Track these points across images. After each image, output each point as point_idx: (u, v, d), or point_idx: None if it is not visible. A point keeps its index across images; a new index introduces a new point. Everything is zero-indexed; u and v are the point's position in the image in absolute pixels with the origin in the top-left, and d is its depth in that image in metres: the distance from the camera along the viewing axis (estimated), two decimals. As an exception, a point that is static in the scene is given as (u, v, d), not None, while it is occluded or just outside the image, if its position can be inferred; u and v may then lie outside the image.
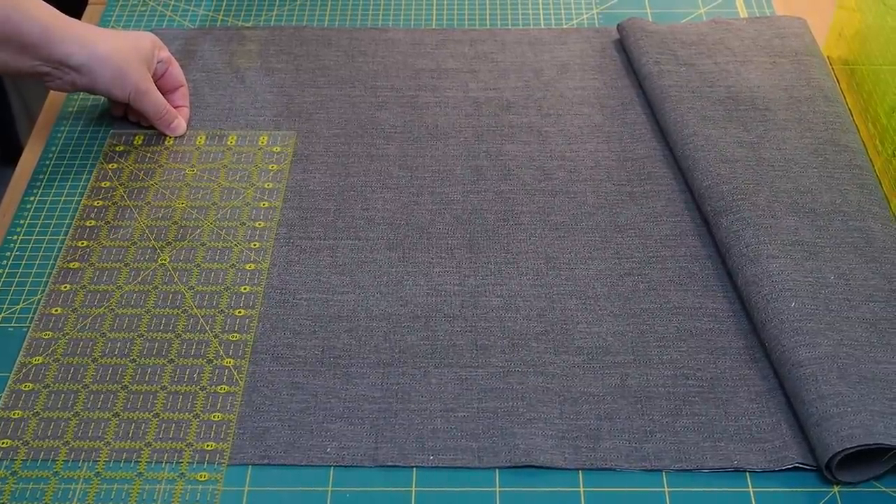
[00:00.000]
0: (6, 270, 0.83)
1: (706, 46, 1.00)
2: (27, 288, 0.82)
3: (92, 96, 0.99)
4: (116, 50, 0.89)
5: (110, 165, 0.92)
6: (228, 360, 0.76)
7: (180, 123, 0.94)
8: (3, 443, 0.71)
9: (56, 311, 0.80)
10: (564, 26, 1.08)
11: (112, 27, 1.08)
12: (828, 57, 1.03)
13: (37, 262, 0.84)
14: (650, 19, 1.08)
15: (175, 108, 0.95)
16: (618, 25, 1.05)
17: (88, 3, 1.13)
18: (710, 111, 0.92)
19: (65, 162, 0.93)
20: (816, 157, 0.88)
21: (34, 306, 0.81)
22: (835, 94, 0.96)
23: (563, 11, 1.09)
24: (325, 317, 0.80)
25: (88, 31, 0.89)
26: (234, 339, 0.78)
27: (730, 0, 1.10)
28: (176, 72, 0.96)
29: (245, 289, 0.81)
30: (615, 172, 0.91)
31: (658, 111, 0.95)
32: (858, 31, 0.97)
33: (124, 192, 0.89)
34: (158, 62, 0.93)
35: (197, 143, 0.94)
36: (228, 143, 0.94)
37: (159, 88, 0.93)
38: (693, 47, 1.00)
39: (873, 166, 0.90)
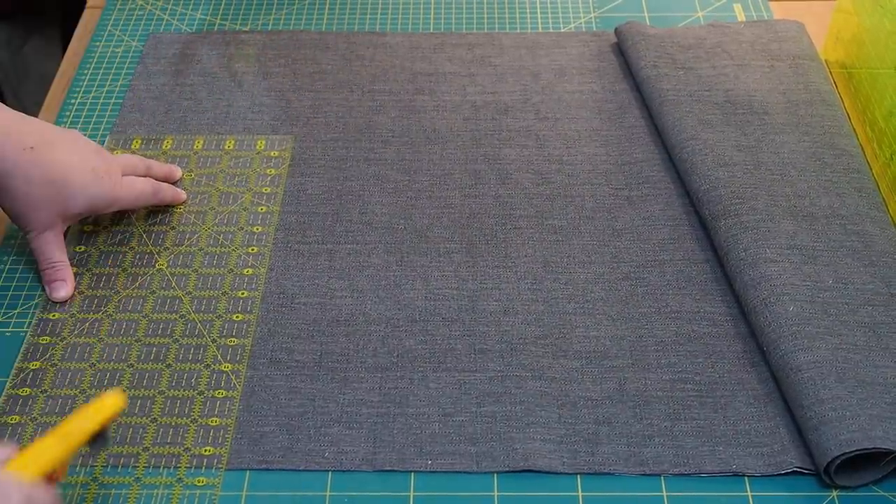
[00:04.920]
0: (4, 275, 0.83)
1: (704, 50, 1.00)
2: (24, 293, 0.82)
3: (90, 97, 0.99)
4: (45, 183, 0.78)
5: (108, 170, 0.92)
6: (226, 364, 0.76)
7: (59, 288, 0.81)
8: (0, 448, 0.71)
9: (54, 315, 0.80)
10: (562, 30, 1.08)
11: (109, 31, 1.08)
12: (825, 60, 1.03)
13: (35, 266, 0.84)
14: (648, 23, 1.08)
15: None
16: (616, 29, 1.05)
17: (86, 7, 1.13)
18: (708, 115, 0.92)
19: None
20: (814, 161, 0.88)
21: (32, 311, 0.80)
22: (832, 98, 0.96)
23: (560, 15, 1.09)
24: (323, 321, 0.79)
25: (36, 139, 0.78)
26: (232, 343, 0.78)
27: (727, 4, 1.10)
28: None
29: (243, 293, 0.81)
30: (613, 176, 0.91)
31: (656, 115, 0.95)
32: (856, 34, 0.97)
33: (122, 196, 0.89)
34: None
35: (194, 147, 0.94)
36: (226, 147, 0.94)
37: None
38: (691, 51, 1.00)
39: (871, 170, 0.90)
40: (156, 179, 0.87)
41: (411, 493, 0.69)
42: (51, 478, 0.61)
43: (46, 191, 0.78)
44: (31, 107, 1.33)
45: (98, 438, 0.63)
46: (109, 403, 0.63)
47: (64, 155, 0.79)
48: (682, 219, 0.87)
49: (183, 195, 0.88)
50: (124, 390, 0.74)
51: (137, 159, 0.87)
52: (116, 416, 0.64)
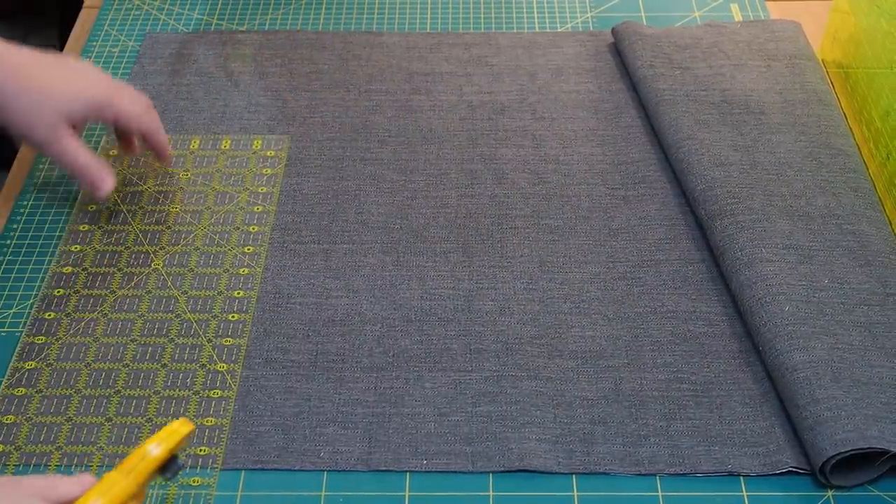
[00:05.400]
0: (-1, 275, 0.84)
1: (700, 50, 1.00)
2: (20, 292, 0.82)
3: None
4: (38, 101, 0.81)
5: (104, 169, 0.92)
6: (222, 364, 0.76)
7: (105, 183, 0.84)
8: (-5, 448, 0.71)
9: (49, 315, 0.80)
10: (559, 30, 1.08)
11: (106, 31, 1.08)
12: (822, 60, 1.03)
13: (30, 266, 0.84)
14: (645, 23, 1.07)
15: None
16: (612, 29, 1.05)
17: (83, 7, 1.13)
18: (704, 115, 0.92)
19: (58, 166, 0.93)
20: (810, 161, 0.88)
21: (27, 311, 0.80)
22: (829, 98, 0.96)
23: (557, 15, 1.09)
24: (319, 321, 0.79)
25: (21, 60, 0.82)
26: (228, 343, 0.78)
27: (724, 4, 1.10)
28: (131, 123, 0.87)
29: (239, 293, 0.81)
30: (609, 176, 0.91)
31: (652, 115, 0.95)
32: (852, 34, 0.97)
33: (118, 196, 0.89)
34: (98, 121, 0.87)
35: (191, 147, 0.94)
36: (222, 146, 0.94)
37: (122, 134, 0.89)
38: (687, 51, 1.00)
39: (867, 170, 0.90)
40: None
41: (406, 493, 0.69)
42: None
43: (40, 96, 0.81)
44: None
45: (170, 465, 0.63)
46: (176, 429, 0.63)
47: (54, 63, 0.84)
48: (678, 218, 0.87)
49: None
50: (119, 391, 0.74)
51: (143, 103, 0.87)
52: (186, 442, 0.64)
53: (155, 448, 0.62)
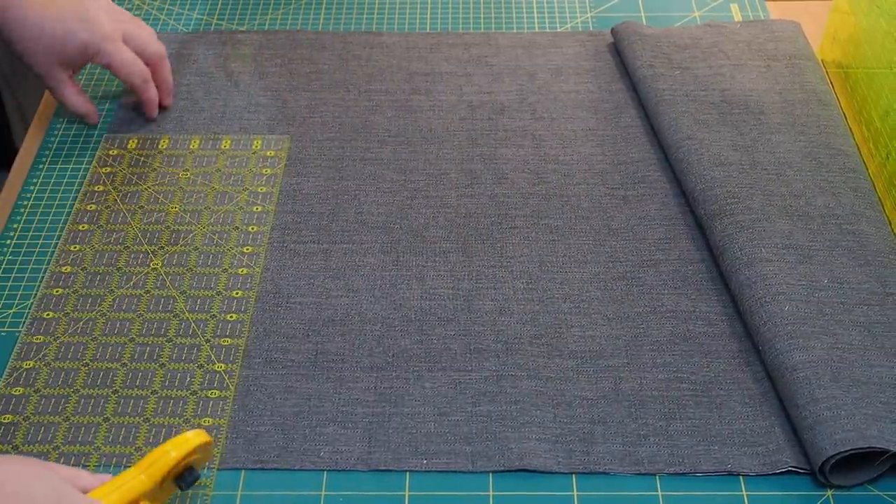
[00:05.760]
0: (-2, 274, 0.83)
1: (700, 50, 1.00)
2: (20, 292, 0.82)
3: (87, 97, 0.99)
4: (31, 39, 0.88)
5: (104, 169, 0.92)
6: (220, 364, 0.76)
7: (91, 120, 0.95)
8: (-6, 447, 0.71)
9: (48, 314, 0.79)
10: (559, 30, 1.08)
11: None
12: (822, 60, 1.03)
13: (29, 265, 0.84)
14: (644, 23, 1.07)
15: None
16: (612, 29, 1.05)
17: None
18: (704, 115, 0.92)
19: (58, 165, 0.93)
20: (810, 161, 0.88)
21: (26, 310, 0.80)
22: (829, 98, 0.95)
23: (557, 15, 1.09)
24: (319, 321, 0.79)
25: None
26: (226, 343, 0.78)
27: (724, 4, 1.10)
28: (121, 74, 0.93)
29: (237, 293, 0.81)
30: (609, 176, 0.91)
31: (652, 115, 0.95)
32: (852, 34, 0.97)
33: (117, 195, 0.89)
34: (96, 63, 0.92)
35: (191, 146, 0.94)
36: (222, 146, 0.94)
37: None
38: (687, 51, 1.00)
39: (867, 169, 0.90)
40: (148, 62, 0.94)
41: (406, 493, 0.69)
42: None
43: (33, 38, 0.88)
44: (28, 106, 1.32)
45: (186, 475, 0.64)
46: (191, 438, 0.64)
47: (63, 3, 0.89)
48: (677, 218, 0.87)
49: (156, 102, 0.95)
50: (117, 391, 0.74)
51: (147, 34, 0.95)
52: (200, 452, 0.65)
53: (173, 451, 0.63)
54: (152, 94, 0.95)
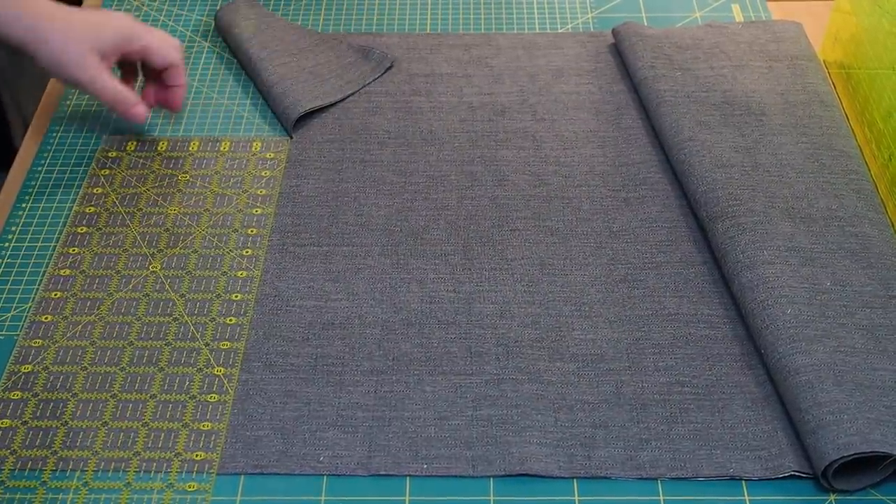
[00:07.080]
0: (-4, 278, 0.83)
1: (702, 51, 0.99)
2: (18, 296, 0.81)
3: (86, 99, 0.99)
4: (61, 31, 0.84)
5: (103, 171, 0.91)
6: (219, 368, 0.76)
7: (138, 110, 0.89)
8: (-8, 452, 0.71)
9: (46, 318, 0.79)
10: (559, 31, 1.07)
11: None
12: (823, 61, 1.02)
13: (28, 269, 0.83)
14: (645, 23, 1.07)
15: (168, 87, 0.92)
16: (613, 30, 1.04)
17: (82, 5, 1.12)
18: (705, 116, 0.92)
19: (57, 168, 0.92)
20: (812, 162, 0.88)
21: (24, 314, 0.80)
22: (831, 99, 0.95)
23: (558, 16, 1.09)
24: (318, 324, 0.79)
25: (41, 8, 0.84)
26: (225, 347, 0.77)
27: (726, 4, 1.10)
28: (159, 55, 0.90)
29: (237, 296, 0.81)
30: (610, 178, 0.90)
31: (653, 116, 0.94)
32: (854, 34, 0.96)
33: (116, 198, 0.89)
34: (128, 51, 0.89)
35: (190, 149, 0.94)
36: (221, 148, 0.94)
37: (149, 67, 0.91)
38: (688, 52, 0.99)
39: (869, 171, 0.89)
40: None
41: (407, 498, 0.69)
42: None
43: (65, 31, 0.84)
44: (27, 107, 1.32)
45: None
46: None
47: (80, 8, 0.88)
48: (679, 220, 0.87)
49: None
50: (116, 395, 0.74)
51: (172, 41, 0.91)
52: None
53: None
54: (185, 79, 0.92)
